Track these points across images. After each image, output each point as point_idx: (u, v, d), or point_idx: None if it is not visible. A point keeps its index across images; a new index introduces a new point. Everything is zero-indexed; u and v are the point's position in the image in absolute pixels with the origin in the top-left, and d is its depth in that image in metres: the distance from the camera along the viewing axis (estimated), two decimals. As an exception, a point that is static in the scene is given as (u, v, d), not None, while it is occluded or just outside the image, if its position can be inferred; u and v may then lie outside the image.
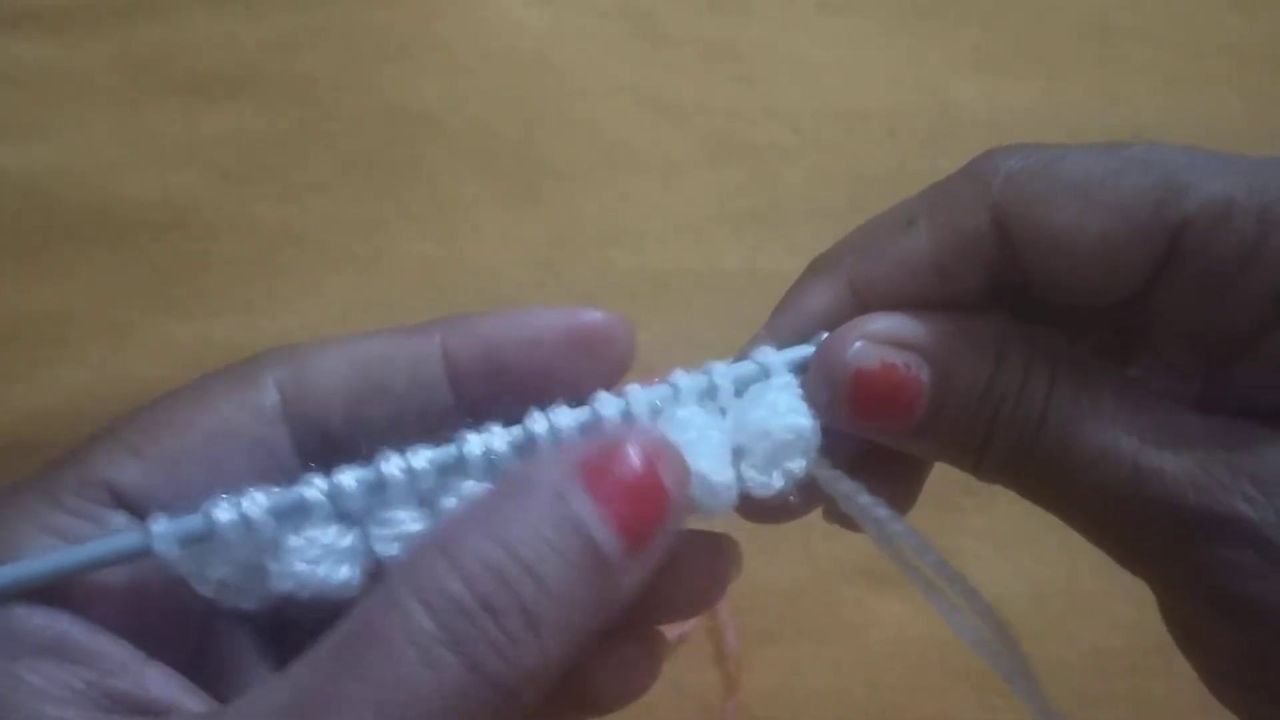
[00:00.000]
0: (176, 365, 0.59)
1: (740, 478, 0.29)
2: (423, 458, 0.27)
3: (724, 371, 0.29)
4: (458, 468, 0.27)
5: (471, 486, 0.27)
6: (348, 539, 0.27)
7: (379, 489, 0.26)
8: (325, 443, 0.28)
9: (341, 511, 0.27)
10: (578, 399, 0.28)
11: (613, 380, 0.30)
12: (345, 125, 0.65)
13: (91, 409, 0.58)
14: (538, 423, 0.27)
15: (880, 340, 0.28)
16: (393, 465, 0.26)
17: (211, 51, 0.66)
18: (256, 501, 0.26)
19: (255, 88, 0.65)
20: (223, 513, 0.26)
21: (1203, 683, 0.30)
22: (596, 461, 0.25)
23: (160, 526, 0.25)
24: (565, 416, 0.27)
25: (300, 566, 0.26)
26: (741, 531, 0.56)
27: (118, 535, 0.26)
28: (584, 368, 0.29)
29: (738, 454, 0.29)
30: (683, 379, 0.29)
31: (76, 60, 0.66)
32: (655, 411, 0.28)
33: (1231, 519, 0.25)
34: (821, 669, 0.55)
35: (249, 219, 0.63)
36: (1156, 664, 0.54)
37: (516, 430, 0.27)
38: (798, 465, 0.29)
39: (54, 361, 0.60)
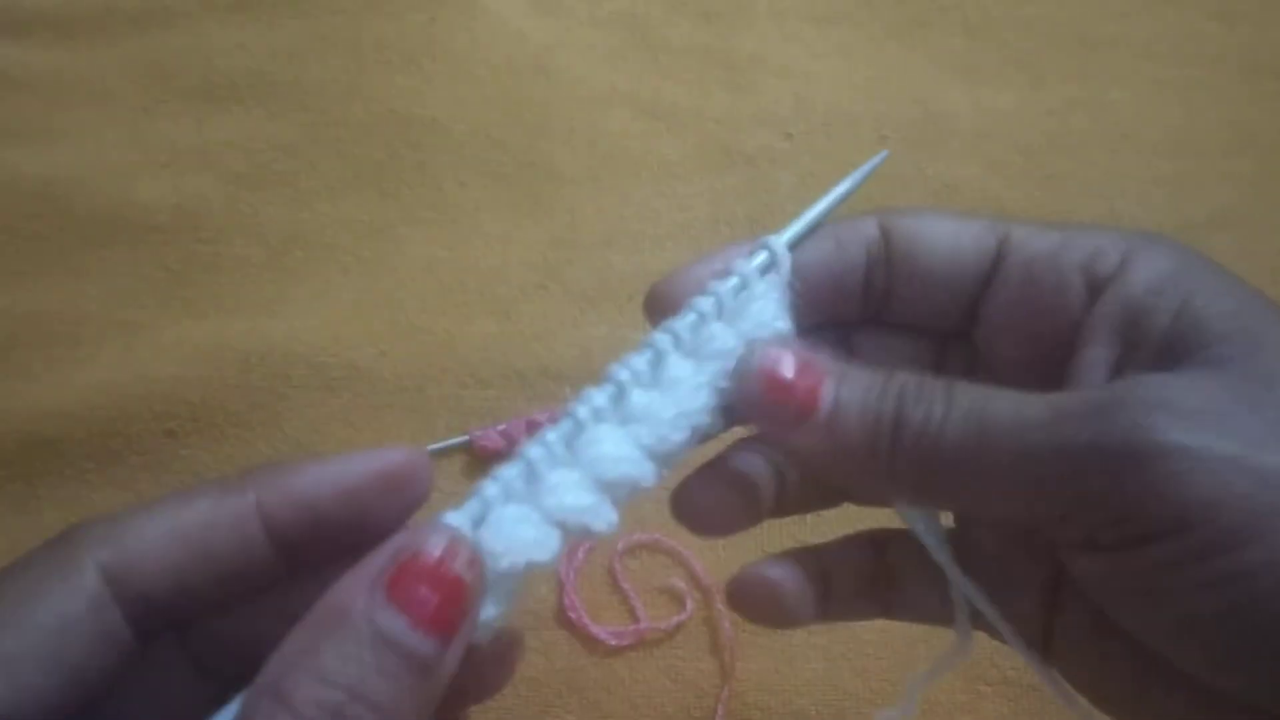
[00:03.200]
0: (188, 364, 0.60)
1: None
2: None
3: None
4: None
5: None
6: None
7: None
8: (151, 609, 0.28)
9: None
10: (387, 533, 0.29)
11: (414, 510, 0.31)
12: (352, 131, 0.65)
13: (105, 407, 0.58)
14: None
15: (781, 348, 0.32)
16: None
17: (222, 59, 0.66)
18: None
19: (265, 95, 0.66)
20: None
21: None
22: (393, 570, 0.26)
23: None
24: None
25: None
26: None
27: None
28: (389, 506, 0.31)
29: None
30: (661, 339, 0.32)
31: (89, 66, 0.66)
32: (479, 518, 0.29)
33: (1154, 441, 0.27)
34: (813, 657, 0.55)
35: (258, 222, 0.63)
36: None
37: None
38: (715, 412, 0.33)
39: (68, 361, 0.60)
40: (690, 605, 0.56)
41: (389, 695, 0.25)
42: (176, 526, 0.28)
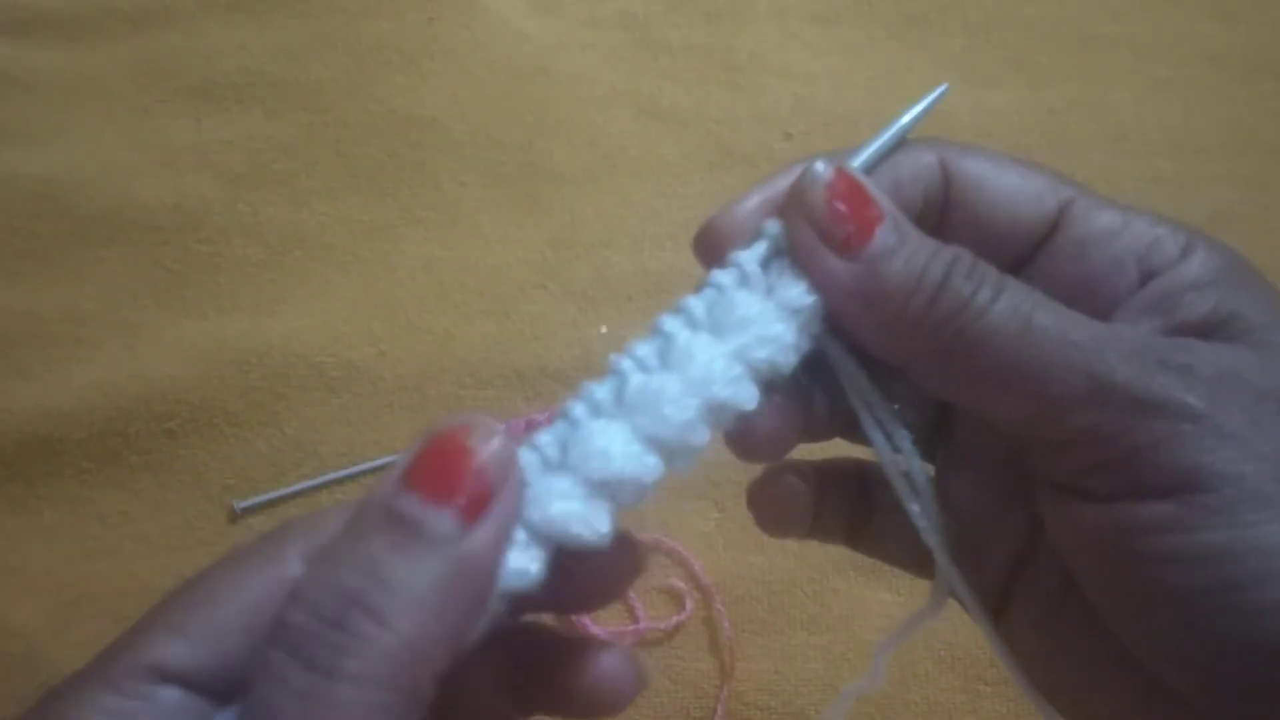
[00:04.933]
0: (187, 364, 0.60)
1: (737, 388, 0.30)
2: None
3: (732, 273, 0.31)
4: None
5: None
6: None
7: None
8: None
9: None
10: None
11: None
12: (352, 131, 0.65)
13: (104, 407, 0.58)
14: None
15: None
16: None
17: (221, 59, 0.66)
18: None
19: (264, 94, 0.66)
20: None
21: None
22: (415, 460, 0.26)
23: None
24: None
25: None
26: (737, 525, 0.58)
27: None
28: None
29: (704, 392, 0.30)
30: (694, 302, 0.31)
31: (89, 66, 0.66)
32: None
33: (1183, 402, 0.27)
34: (813, 657, 0.55)
35: (258, 222, 0.63)
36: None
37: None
38: (819, 327, 0.31)
39: (68, 360, 0.60)
40: (690, 605, 0.56)
41: (403, 571, 0.24)
42: None
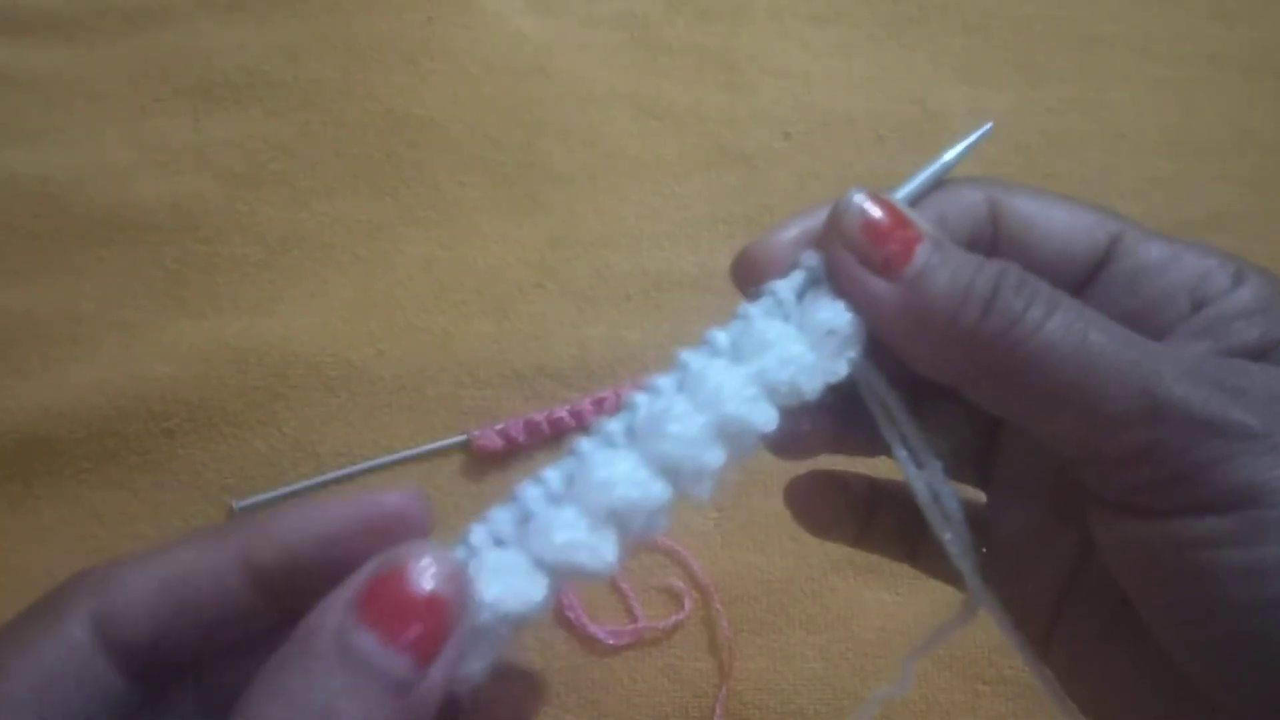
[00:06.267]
0: (185, 364, 0.60)
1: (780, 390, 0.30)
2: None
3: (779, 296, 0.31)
4: None
5: None
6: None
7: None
8: (140, 658, 0.28)
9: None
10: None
11: None
12: (350, 131, 0.65)
13: (102, 406, 0.58)
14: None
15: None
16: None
17: (219, 58, 0.66)
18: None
19: (262, 94, 0.66)
20: None
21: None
22: (366, 588, 0.25)
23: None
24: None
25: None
26: (735, 525, 0.58)
27: None
28: (378, 551, 0.29)
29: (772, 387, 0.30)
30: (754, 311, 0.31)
31: (87, 66, 0.66)
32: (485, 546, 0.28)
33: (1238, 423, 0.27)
34: (811, 656, 0.56)
35: (256, 222, 0.63)
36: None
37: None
38: (854, 351, 0.31)
39: (65, 360, 0.60)
40: (688, 604, 0.56)
41: (359, 717, 0.24)
42: (160, 575, 0.28)
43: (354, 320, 0.61)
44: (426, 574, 0.25)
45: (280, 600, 0.29)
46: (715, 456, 0.29)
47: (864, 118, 0.67)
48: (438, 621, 0.25)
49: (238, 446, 0.59)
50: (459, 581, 0.26)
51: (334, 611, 0.25)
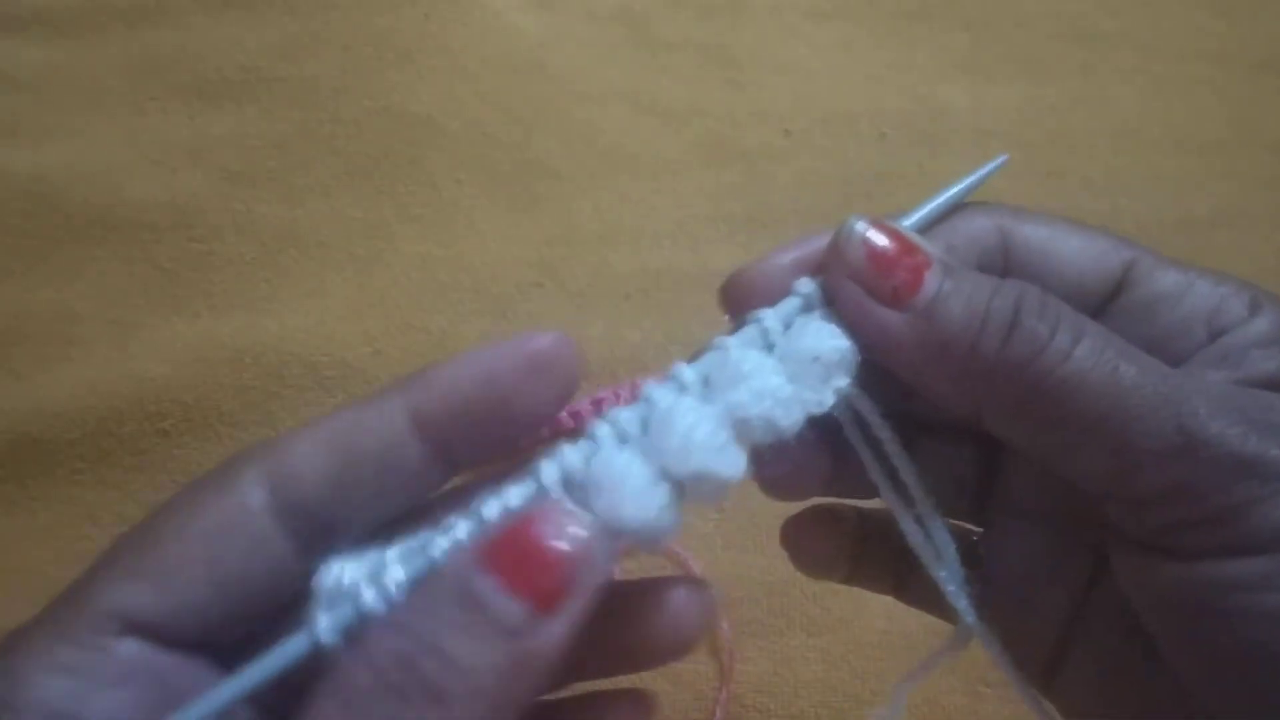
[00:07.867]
0: (180, 363, 0.59)
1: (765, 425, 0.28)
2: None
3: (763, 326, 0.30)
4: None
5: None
6: None
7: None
8: (311, 522, 0.28)
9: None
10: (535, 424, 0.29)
11: (565, 397, 0.30)
12: (346, 128, 0.65)
13: (97, 406, 0.58)
14: (489, 506, 0.27)
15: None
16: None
17: (215, 56, 0.66)
18: (395, 576, 0.26)
19: (258, 91, 0.66)
20: (370, 598, 0.26)
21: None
22: (498, 542, 0.25)
23: (323, 624, 0.26)
24: (512, 494, 0.27)
25: None
26: (736, 526, 0.57)
27: (288, 643, 0.26)
28: (538, 392, 0.30)
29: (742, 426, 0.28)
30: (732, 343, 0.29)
31: (82, 64, 0.66)
32: (587, 458, 0.28)
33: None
34: (812, 659, 0.55)
35: (252, 220, 0.63)
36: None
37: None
38: (844, 381, 0.29)
39: (60, 359, 0.60)
40: (688, 606, 0.55)
41: (468, 654, 0.24)
42: (330, 439, 0.29)
43: (350, 319, 0.61)
44: (558, 530, 0.25)
45: (447, 451, 0.29)
46: (667, 517, 0.28)
47: (865, 114, 0.67)
48: (563, 577, 0.25)
49: (234, 447, 0.58)
50: (589, 543, 0.26)
51: (464, 557, 0.25)
